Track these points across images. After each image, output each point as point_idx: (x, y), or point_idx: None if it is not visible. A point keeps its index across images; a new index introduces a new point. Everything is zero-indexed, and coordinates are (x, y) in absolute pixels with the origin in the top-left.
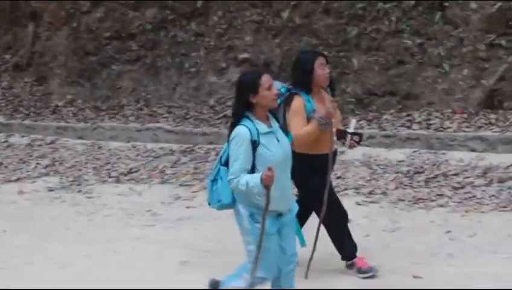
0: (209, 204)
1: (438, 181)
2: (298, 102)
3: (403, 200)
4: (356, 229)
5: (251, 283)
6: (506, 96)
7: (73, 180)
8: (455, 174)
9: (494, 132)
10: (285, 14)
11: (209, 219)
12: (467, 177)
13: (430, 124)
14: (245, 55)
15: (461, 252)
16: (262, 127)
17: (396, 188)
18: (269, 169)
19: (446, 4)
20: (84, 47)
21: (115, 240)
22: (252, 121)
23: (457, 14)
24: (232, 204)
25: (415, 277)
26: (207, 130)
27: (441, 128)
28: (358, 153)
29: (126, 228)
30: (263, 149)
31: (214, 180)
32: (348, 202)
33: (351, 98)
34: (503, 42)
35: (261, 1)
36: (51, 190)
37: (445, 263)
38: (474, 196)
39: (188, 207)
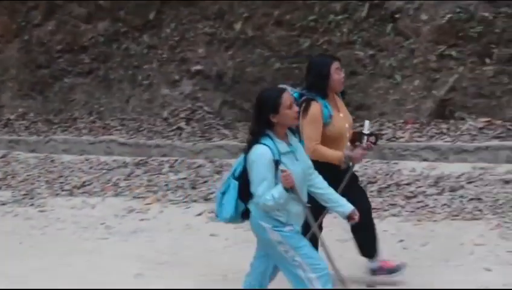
0: (217, 216)
1: (391, 191)
2: (316, 108)
3: None
4: None
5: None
6: (457, 106)
7: (25, 194)
8: (407, 184)
9: (446, 141)
10: (237, 26)
11: (163, 231)
12: (419, 187)
13: (383, 135)
14: (198, 67)
15: (414, 261)
16: (283, 146)
17: None
18: (283, 171)
19: (397, 16)
20: (35, 60)
21: (69, 253)
22: (272, 139)
23: (408, 26)
24: (236, 218)
25: (368, 285)
26: (160, 142)
27: (393, 139)
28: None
29: (79, 241)
30: (283, 168)
31: (224, 193)
32: None
33: None
34: (453, 53)
35: (214, 13)
36: (3, 204)
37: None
38: (427, 205)
39: (141, 219)
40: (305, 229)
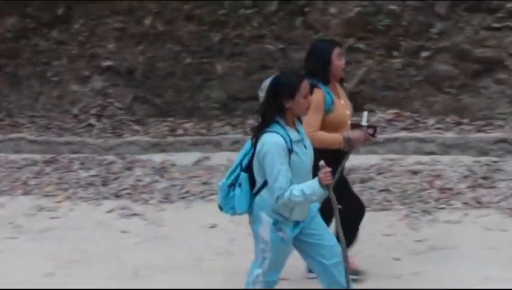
0: (221, 209)
1: None
2: (319, 95)
3: None
4: (221, 233)
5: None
6: (366, 98)
7: None
8: None
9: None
10: (147, 22)
11: (73, 229)
12: None
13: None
14: (108, 63)
15: None
16: (293, 134)
17: None
18: (322, 166)
19: (307, 9)
20: None
21: None
22: (283, 127)
23: (318, 19)
24: (247, 212)
25: (281, 279)
26: (71, 139)
27: None
28: (223, 158)
29: None
30: (295, 157)
31: (231, 185)
32: (212, 207)
33: (215, 104)
34: (361, 46)
35: (123, 9)
36: None
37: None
38: None
39: (51, 218)
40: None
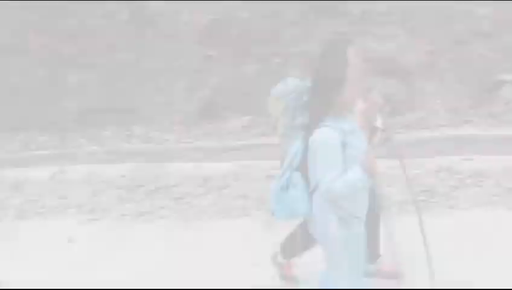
0: (275, 215)
1: (159, 193)
2: None
3: (126, 215)
4: (80, 248)
5: None
6: (220, 106)
7: None
8: (175, 185)
9: (213, 141)
10: None
11: None
12: (188, 188)
13: (150, 138)
14: None
15: (185, 262)
16: (346, 125)
17: (119, 203)
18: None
19: (158, 18)
20: None
21: None
22: (334, 120)
23: (170, 29)
24: (307, 213)
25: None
26: None
27: (160, 142)
28: (79, 171)
29: None
30: (350, 149)
31: (285, 188)
32: (69, 221)
33: (70, 116)
34: (214, 54)
35: None
36: None
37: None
38: (195, 205)
39: None
40: None
